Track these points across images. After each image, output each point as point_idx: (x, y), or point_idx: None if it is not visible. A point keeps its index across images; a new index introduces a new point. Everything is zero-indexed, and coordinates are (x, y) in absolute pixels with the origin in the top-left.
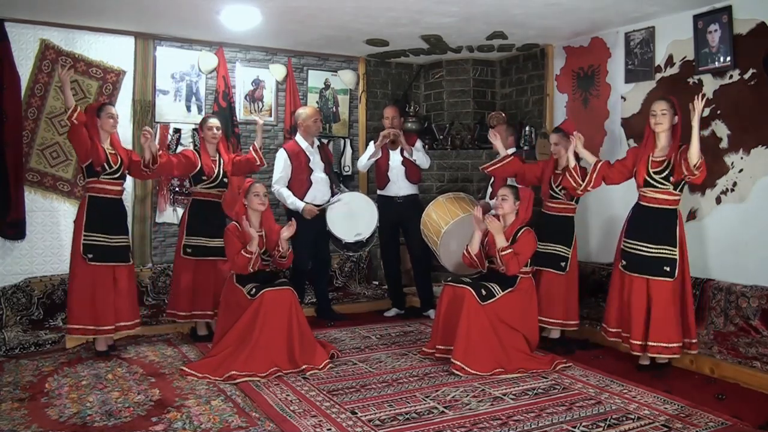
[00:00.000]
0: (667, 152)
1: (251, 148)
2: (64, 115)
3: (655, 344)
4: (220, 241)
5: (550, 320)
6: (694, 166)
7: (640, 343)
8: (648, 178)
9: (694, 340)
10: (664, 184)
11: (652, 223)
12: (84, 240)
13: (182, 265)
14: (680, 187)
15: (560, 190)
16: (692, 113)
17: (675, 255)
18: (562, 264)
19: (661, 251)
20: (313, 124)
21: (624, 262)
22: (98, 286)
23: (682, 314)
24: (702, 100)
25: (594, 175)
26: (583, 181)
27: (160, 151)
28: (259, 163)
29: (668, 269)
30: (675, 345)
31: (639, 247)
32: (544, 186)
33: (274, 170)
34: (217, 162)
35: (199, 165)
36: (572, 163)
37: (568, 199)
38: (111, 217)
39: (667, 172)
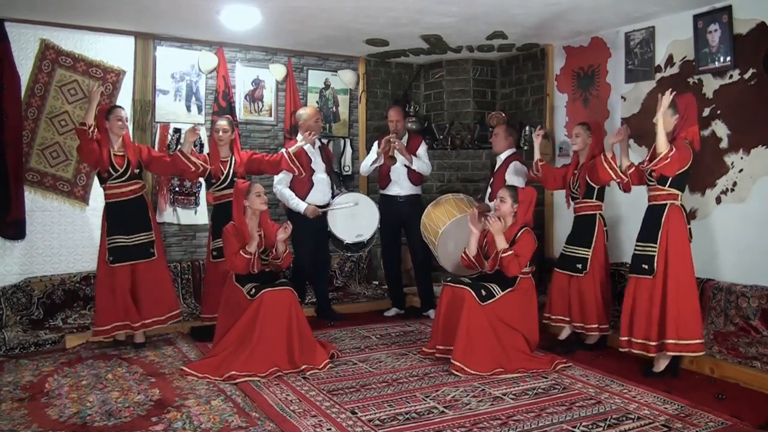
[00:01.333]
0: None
1: (287, 155)
2: (64, 115)
3: (637, 341)
4: None
5: (556, 317)
6: (659, 157)
7: (625, 339)
8: (646, 177)
9: (669, 341)
10: (651, 181)
11: (645, 222)
12: (108, 244)
13: (213, 268)
14: (667, 183)
15: (576, 188)
16: (658, 104)
17: (654, 252)
18: (579, 266)
19: (645, 248)
20: (315, 124)
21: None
22: (118, 286)
23: (662, 314)
24: (670, 94)
25: (629, 172)
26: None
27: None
28: (297, 173)
29: (646, 267)
30: (652, 344)
31: (636, 247)
32: (566, 189)
33: None
34: (228, 162)
35: (209, 169)
36: (609, 153)
37: (582, 197)
38: (128, 217)
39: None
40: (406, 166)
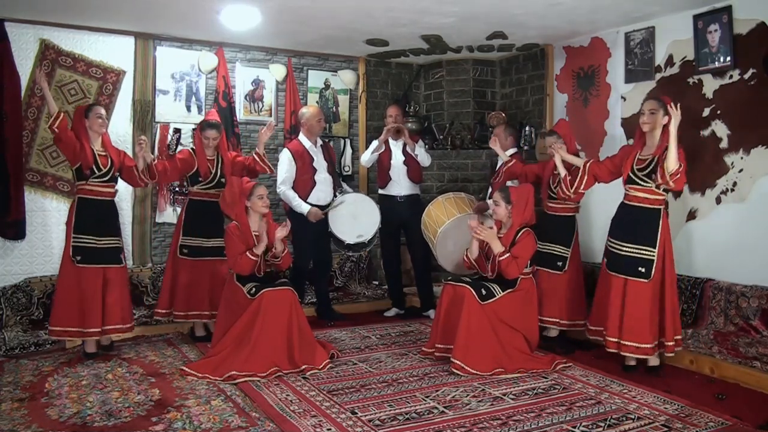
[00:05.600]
0: (653, 151)
1: (256, 156)
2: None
3: (627, 343)
4: (216, 240)
5: (546, 318)
6: (670, 174)
7: (615, 340)
8: (632, 175)
9: (670, 342)
10: (646, 182)
11: (633, 223)
12: (73, 242)
13: (178, 264)
14: (663, 187)
15: (557, 190)
16: (671, 119)
17: (652, 256)
18: (559, 264)
19: (639, 251)
20: (317, 123)
21: (606, 261)
22: (86, 288)
23: (660, 315)
24: (677, 108)
25: (585, 177)
26: (572, 186)
27: (155, 161)
28: (269, 172)
29: (643, 270)
30: (646, 346)
31: (619, 246)
32: (543, 188)
33: (279, 171)
34: (215, 162)
35: (196, 166)
36: (563, 173)
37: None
38: (100, 218)
39: (649, 170)
40: (405, 164)
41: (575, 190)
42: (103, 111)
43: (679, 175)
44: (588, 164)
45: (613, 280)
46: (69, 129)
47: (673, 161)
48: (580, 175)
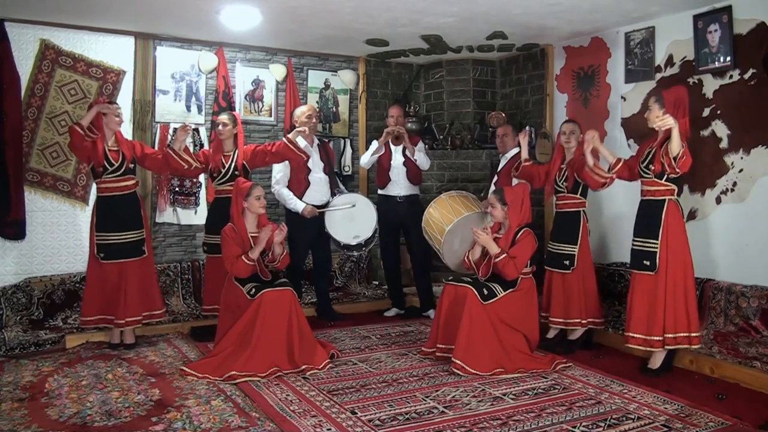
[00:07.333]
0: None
1: (289, 143)
2: (64, 115)
3: (634, 336)
4: None
5: (555, 320)
6: (674, 157)
7: (640, 336)
8: (639, 171)
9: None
10: (647, 174)
11: (641, 216)
12: (97, 240)
13: (207, 261)
14: (664, 177)
15: (563, 183)
16: (669, 118)
17: (655, 248)
18: (566, 262)
19: (644, 244)
20: (307, 120)
21: (629, 261)
22: (107, 283)
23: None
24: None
25: (620, 164)
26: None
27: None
28: (305, 158)
29: (648, 263)
30: (655, 338)
31: (633, 242)
32: (548, 185)
33: (273, 170)
34: (231, 157)
35: (203, 167)
36: (591, 161)
37: (569, 192)
38: (120, 214)
39: (647, 161)
40: (405, 165)
41: (610, 170)
42: (120, 109)
43: (684, 158)
44: (620, 162)
45: (631, 278)
46: (83, 138)
47: (676, 144)
48: (616, 160)
